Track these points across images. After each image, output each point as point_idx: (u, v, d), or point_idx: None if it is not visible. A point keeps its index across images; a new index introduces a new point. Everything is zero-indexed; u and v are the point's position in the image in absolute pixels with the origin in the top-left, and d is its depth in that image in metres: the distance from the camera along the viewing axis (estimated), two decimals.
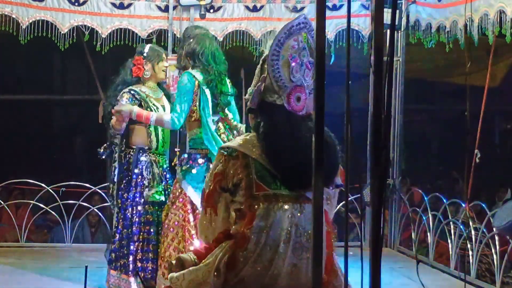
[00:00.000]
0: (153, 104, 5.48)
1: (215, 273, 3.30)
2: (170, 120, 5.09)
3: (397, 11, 7.07)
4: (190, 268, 3.41)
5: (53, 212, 7.64)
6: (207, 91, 5.07)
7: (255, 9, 7.42)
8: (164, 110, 5.50)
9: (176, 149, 6.31)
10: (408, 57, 7.89)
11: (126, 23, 7.23)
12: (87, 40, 7.27)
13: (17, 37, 7.01)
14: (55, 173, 9.52)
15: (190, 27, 5.57)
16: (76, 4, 7.15)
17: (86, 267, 5.45)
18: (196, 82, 5.07)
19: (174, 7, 7.30)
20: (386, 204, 6.56)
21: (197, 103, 5.09)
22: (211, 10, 7.36)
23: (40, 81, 11.70)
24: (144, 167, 5.43)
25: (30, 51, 9.58)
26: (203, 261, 3.40)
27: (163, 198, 5.42)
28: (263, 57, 3.52)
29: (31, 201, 7.63)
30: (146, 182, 5.40)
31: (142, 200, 5.39)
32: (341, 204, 7.13)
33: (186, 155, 5.22)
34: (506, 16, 5.70)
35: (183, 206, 5.12)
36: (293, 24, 3.49)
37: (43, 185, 7.59)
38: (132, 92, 5.45)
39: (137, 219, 5.38)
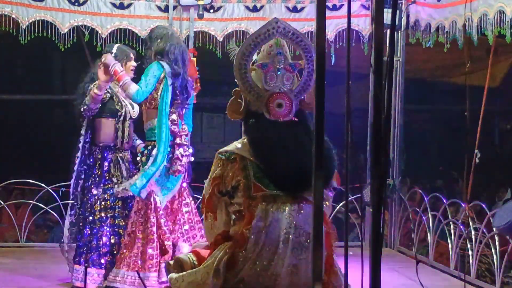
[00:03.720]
0: (123, 100, 5.63)
1: (215, 274, 3.30)
2: (136, 90, 5.19)
3: (397, 11, 7.06)
4: (190, 270, 3.43)
5: (53, 212, 7.63)
6: (170, 83, 5.20)
7: (255, 9, 7.41)
8: (133, 108, 5.61)
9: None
10: (408, 57, 7.88)
11: (126, 23, 7.23)
12: (87, 40, 7.27)
13: (17, 37, 7.00)
14: (55, 173, 9.49)
15: (156, 28, 5.65)
16: (76, 4, 7.14)
17: (86, 267, 5.46)
18: (163, 71, 5.22)
19: (174, 7, 7.30)
20: (386, 204, 6.55)
21: (159, 92, 5.22)
22: (211, 10, 7.35)
23: (40, 81, 11.69)
24: (111, 164, 5.58)
25: (30, 51, 9.57)
26: (203, 263, 3.41)
27: (131, 193, 5.51)
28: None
29: (31, 201, 7.63)
30: (115, 180, 5.56)
31: (111, 196, 5.53)
32: (341, 204, 7.18)
33: (143, 149, 5.40)
34: (505, 16, 5.69)
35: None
36: (259, 33, 3.49)
37: (43, 185, 7.59)
38: None
39: (106, 215, 5.53)
